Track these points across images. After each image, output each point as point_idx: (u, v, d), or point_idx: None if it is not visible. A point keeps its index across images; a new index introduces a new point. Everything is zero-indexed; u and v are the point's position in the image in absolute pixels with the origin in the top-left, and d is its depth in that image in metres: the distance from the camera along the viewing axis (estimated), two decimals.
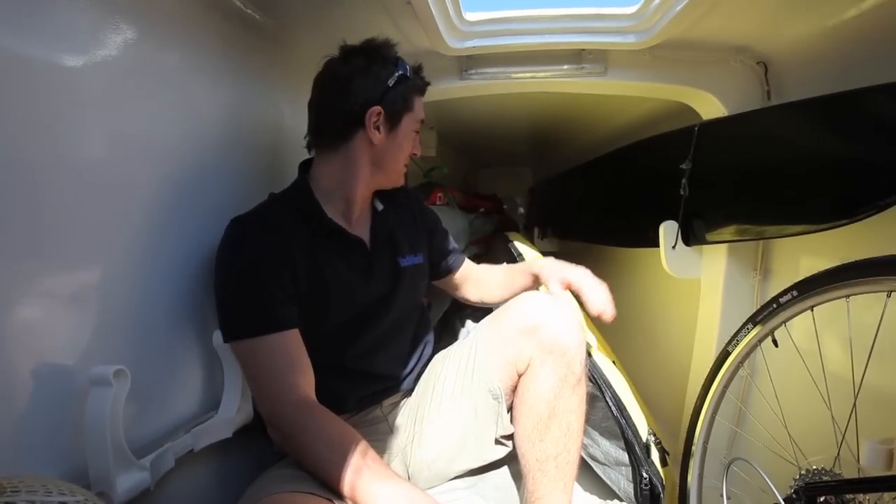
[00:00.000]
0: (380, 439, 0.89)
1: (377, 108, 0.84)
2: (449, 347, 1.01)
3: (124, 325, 0.67)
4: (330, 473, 0.66)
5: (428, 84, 0.93)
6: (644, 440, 1.00)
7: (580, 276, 0.92)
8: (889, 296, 0.65)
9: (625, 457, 1.02)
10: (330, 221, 0.85)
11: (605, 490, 1.11)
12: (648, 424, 1.07)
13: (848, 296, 0.72)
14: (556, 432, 0.78)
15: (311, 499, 0.67)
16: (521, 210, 3.46)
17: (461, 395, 0.89)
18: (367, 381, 0.90)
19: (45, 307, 0.56)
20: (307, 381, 0.75)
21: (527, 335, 0.81)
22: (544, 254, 1.82)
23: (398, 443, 0.90)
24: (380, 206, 0.96)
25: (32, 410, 0.54)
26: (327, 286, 0.83)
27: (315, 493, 0.66)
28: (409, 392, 0.97)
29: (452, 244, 1.11)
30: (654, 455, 1.01)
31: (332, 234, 0.86)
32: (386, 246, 0.93)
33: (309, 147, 0.92)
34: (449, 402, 0.90)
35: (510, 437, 0.88)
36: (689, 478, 0.99)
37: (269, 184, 0.96)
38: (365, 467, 0.66)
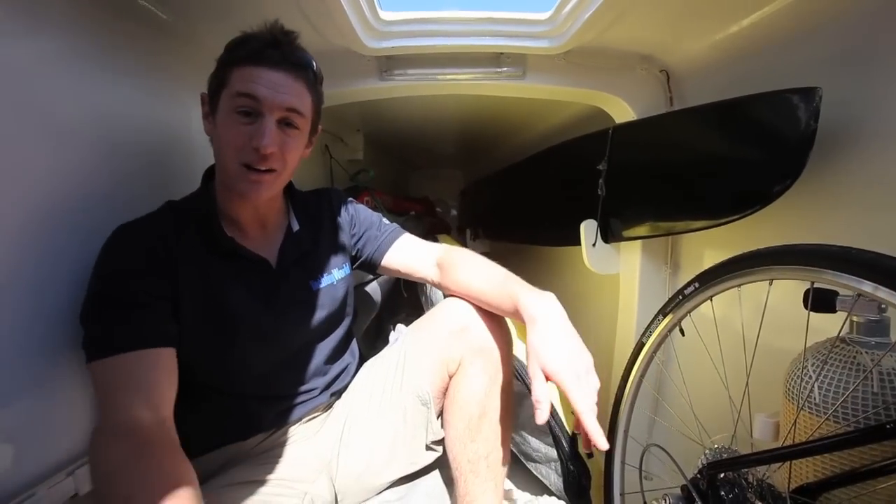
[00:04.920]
0: (301, 456, 0.85)
1: (203, 94, 0.78)
2: (376, 356, 0.98)
3: None
4: None
5: (248, 51, 0.73)
6: (571, 434, 1.03)
7: (563, 367, 0.66)
8: (771, 283, 0.71)
9: (553, 452, 1.04)
10: (226, 239, 0.77)
11: (537, 485, 1.13)
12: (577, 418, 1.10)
13: (739, 285, 0.78)
14: (487, 431, 0.78)
15: None
16: (454, 212, 3.49)
17: (389, 402, 0.87)
18: (280, 401, 0.84)
19: None
20: (145, 404, 0.62)
21: (456, 336, 0.81)
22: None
23: (322, 458, 0.86)
24: (295, 226, 0.87)
25: None
26: (223, 312, 0.75)
27: None
28: (331, 405, 0.92)
29: (382, 229, 0.97)
30: (581, 448, 1.04)
31: (230, 252, 0.77)
32: (296, 268, 0.85)
33: None
34: (377, 411, 0.87)
35: (440, 442, 0.87)
36: (613, 466, 1.03)
37: (174, 188, 0.88)
38: None
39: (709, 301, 0.86)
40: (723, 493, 0.67)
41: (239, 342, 0.77)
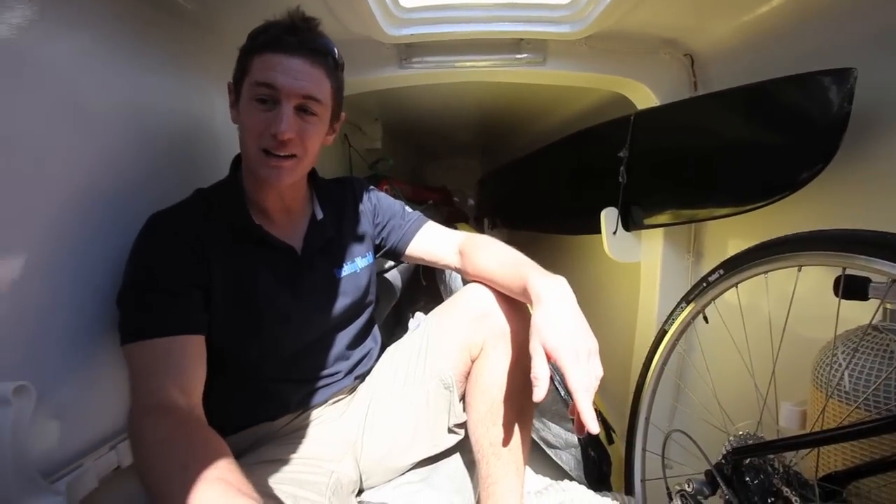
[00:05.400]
0: (328, 436, 0.87)
1: (229, 83, 0.80)
2: (399, 341, 1.00)
3: (29, 337, 0.60)
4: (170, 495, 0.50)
5: (267, 38, 0.74)
6: None
7: (563, 345, 0.64)
8: (800, 270, 0.70)
9: (574, 438, 1.05)
10: (254, 227, 0.79)
11: (557, 471, 1.14)
12: (596, 405, 1.11)
13: (766, 272, 0.77)
14: (510, 415, 0.79)
15: None
16: (471, 201, 3.49)
17: (412, 386, 0.88)
18: (306, 384, 0.86)
19: None
20: (177, 388, 0.63)
21: (479, 321, 0.82)
22: None
23: (347, 440, 0.88)
24: (319, 214, 0.88)
25: None
26: (251, 298, 0.78)
27: None
28: (355, 388, 0.95)
29: (406, 217, 0.98)
30: (601, 435, 1.05)
31: (257, 240, 0.79)
32: (320, 256, 0.87)
33: None
34: (400, 394, 0.89)
35: (462, 425, 0.88)
36: (634, 452, 1.03)
37: (199, 177, 0.90)
38: (221, 483, 0.51)
39: (734, 288, 0.85)
40: (748, 478, 0.67)
41: (265, 326, 0.79)
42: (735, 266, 0.82)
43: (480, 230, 2.52)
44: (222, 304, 0.75)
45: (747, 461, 0.69)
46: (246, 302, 0.78)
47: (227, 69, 1.05)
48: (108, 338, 0.72)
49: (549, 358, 0.65)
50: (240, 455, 0.81)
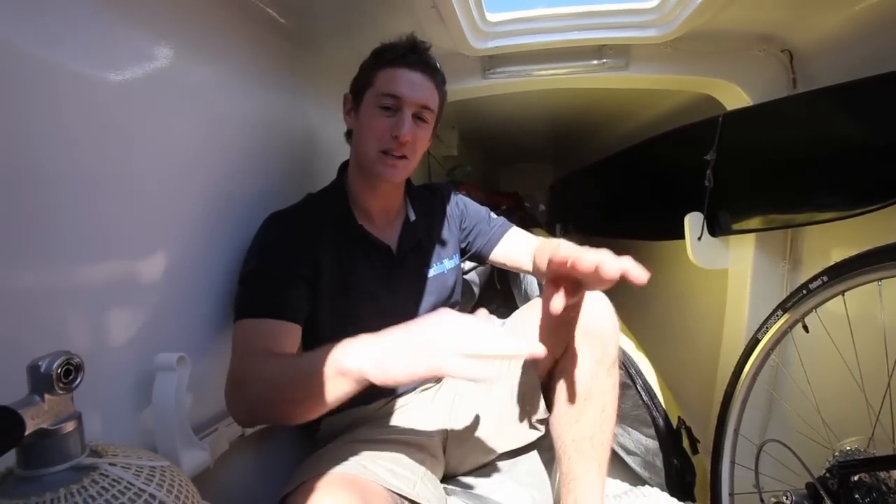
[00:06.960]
0: (417, 422, 0.93)
1: (346, 94, 0.90)
2: None
3: (183, 317, 0.73)
4: (288, 387, 0.60)
5: (392, 55, 0.85)
6: (675, 427, 1.02)
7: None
8: None
9: (655, 445, 1.04)
10: (357, 226, 0.88)
11: (634, 478, 1.13)
12: (678, 413, 1.08)
13: (880, 279, 0.72)
14: (592, 413, 0.80)
15: (353, 478, 0.71)
16: (542, 207, 3.47)
17: (498, 380, 0.92)
18: None
19: (112, 301, 0.62)
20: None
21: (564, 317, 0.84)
22: None
23: (434, 427, 0.94)
24: (412, 216, 0.96)
25: (108, 393, 0.60)
26: (350, 288, 0.86)
27: (356, 474, 0.71)
28: (442, 379, 1.00)
29: (491, 223, 1.03)
30: (685, 443, 1.02)
31: (360, 239, 0.88)
32: (412, 256, 0.94)
33: None
34: (485, 387, 0.93)
35: (544, 421, 0.90)
36: (721, 465, 0.99)
37: (304, 184, 1.01)
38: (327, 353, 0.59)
39: (840, 297, 0.80)
40: (857, 495, 0.63)
41: (362, 317, 0.87)
42: (842, 272, 0.78)
43: (552, 236, 2.51)
44: (326, 293, 0.84)
45: (856, 477, 0.65)
46: (346, 291, 0.86)
47: (322, 83, 1.15)
48: (231, 321, 0.83)
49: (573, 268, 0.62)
50: (337, 435, 0.90)
